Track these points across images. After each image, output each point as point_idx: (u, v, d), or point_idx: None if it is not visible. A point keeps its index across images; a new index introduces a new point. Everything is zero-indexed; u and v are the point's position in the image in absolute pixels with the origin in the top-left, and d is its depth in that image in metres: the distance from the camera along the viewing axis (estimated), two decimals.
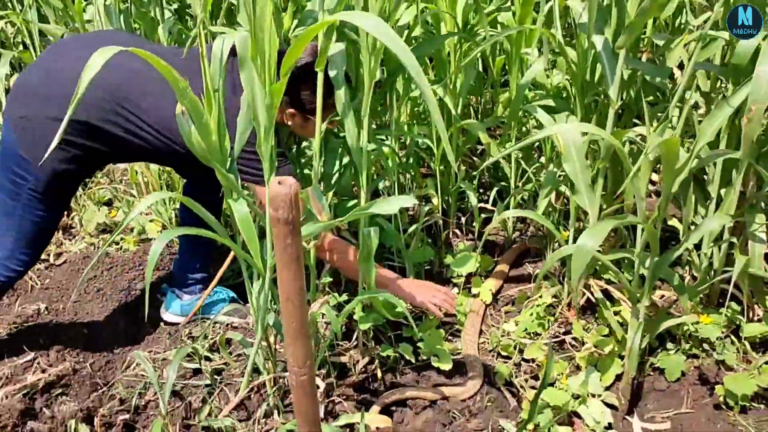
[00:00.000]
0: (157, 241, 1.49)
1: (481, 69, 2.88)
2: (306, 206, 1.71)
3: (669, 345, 2.02)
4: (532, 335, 2.11)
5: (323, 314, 2.01)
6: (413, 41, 2.38)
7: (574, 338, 2.09)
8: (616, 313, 2.05)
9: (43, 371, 2.16)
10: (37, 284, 2.60)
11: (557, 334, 2.13)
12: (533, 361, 2.07)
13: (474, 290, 2.33)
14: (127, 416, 1.97)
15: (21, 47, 3.28)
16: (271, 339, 1.92)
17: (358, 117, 1.82)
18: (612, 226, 1.61)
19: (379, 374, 2.07)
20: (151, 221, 2.83)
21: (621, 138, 1.67)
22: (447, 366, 2.04)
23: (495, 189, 2.68)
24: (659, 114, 2.05)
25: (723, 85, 2.00)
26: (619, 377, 1.93)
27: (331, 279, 2.20)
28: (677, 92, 1.52)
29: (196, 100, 1.39)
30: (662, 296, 2.20)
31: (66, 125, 1.22)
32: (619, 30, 1.68)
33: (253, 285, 1.82)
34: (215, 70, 1.47)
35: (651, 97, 2.18)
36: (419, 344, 2.11)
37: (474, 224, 2.57)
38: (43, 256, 2.76)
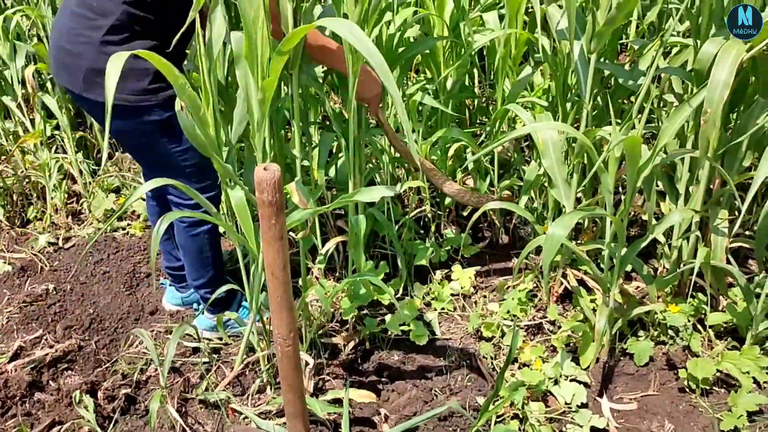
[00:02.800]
0: (161, 221, 1.61)
1: (477, 70, 3.01)
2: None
3: (640, 332, 2.14)
4: (512, 317, 2.24)
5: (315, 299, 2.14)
6: (408, 42, 2.51)
7: (551, 322, 2.22)
8: (592, 301, 2.17)
9: (51, 347, 2.30)
10: (46, 266, 2.74)
11: (535, 318, 2.25)
12: None
13: (454, 277, 2.45)
14: (128, 390, 2.11)
15: (36, 40, 3.41)
16: (265, 318, 2.05)
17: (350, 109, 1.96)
18: (579, 216, 1.73)
19: (367, 345, 2.21)
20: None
21: (592, 136, 1.79)
22: (422, 341, 2.18)
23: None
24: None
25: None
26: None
27: (323, 265, 2.33)
28: (640, 94, 1.64)
29: (194, 96, 1.51)
30: (637, 287, 2.32)
31: None
32: (592, 36, 1.80)
33: (249, 268, 1.96)
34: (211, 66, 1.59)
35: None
36: (405, 322, 2.24)
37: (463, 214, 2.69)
38: (51, 240, 2.92)
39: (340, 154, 2.56)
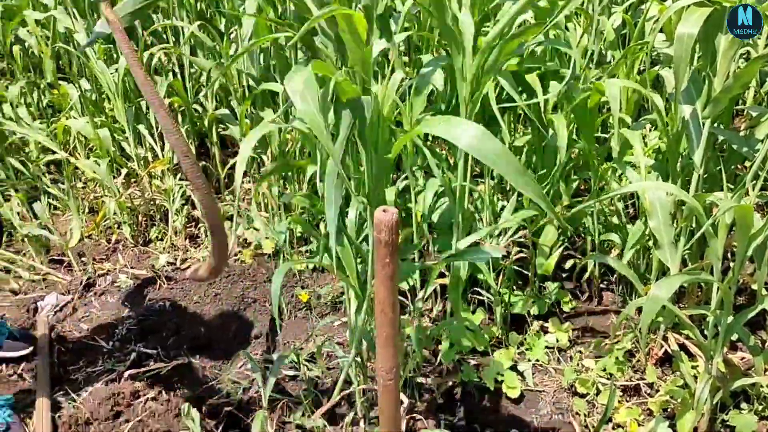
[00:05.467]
0: (277, 274, 1.73)
1: None
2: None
3: (744, 405, 2.07)
4: (608, 375, 2.21)
5: (409, 336, 2.21)
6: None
7: (649, 385, 2.18)
8: (693, 367, 2.13)
9: (163, 360, 2.47)
10: (164, 284, 2.95)
11: (632, 379, 2.22)
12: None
13: (551, 330, 2.45)
14: (231, 408, 2.23)
15: (171, 75, 3.72)
16: (364, 355, 2.13)
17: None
18: (683, 281, 1.72)
19: (459, 390, 2.24)
20: (266, 238, 3.14)
21: (702, 201, 1.78)
22: (515, 393, 2.19)
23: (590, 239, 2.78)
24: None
25: None
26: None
27: (422, 307, 2.40)
28: (756, 162, 1.63)
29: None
30: (743, 358, 2.24)
31: None
32: (707, 101, 1.81)
33: (351, 305, 2.05)
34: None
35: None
36: (497, 372, 2.25)
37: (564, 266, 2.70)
38: (170, 260, 3.13)
39: (442, 199, 2.64)
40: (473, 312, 2.52)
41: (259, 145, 3.26)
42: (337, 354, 2.24)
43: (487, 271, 2.45)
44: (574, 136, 2.60)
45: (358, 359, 2.12)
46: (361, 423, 2.14)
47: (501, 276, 2.57)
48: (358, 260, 1.94)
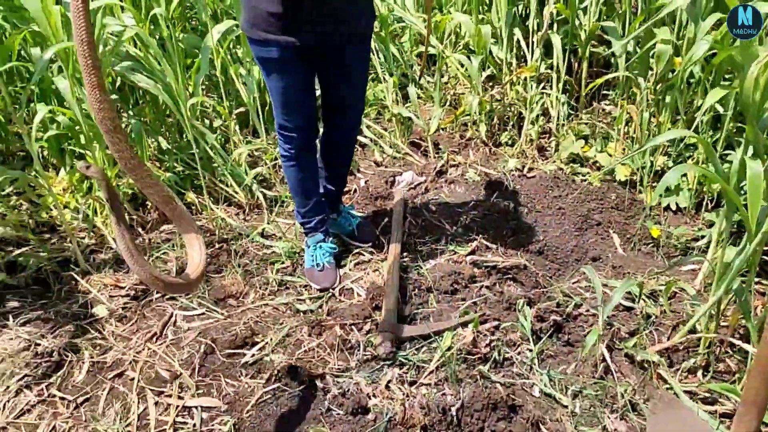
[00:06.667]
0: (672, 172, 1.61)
1: None
2: None
3: None
4: None
5: None
6: None
7: None
8: None
9: (500, 256, 2.53)
10: (509, 186, 2.99)
11: None
12: None
13: None
14: (558, 318, 2.20)
15: None
16: (723, 304, 1.93)
17: None
18: None
19: None
20: (622, 164, 2.98)
21: None
22: None
23: None
24: None
25: None
26: None
27: None
28: None
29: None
30: None
31: None
32: None
33: (723, 245, 1.85)
34: None
35: None
36: None
37: None
38: (518, 166, 3.16)
39: None
40: None
41: (640, 65, 3.06)
42: (689, 295, 2.07)
43: None
44: None
45: (714, 309, 1.94)
46: (699, 373, 1.97)
47: None
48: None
